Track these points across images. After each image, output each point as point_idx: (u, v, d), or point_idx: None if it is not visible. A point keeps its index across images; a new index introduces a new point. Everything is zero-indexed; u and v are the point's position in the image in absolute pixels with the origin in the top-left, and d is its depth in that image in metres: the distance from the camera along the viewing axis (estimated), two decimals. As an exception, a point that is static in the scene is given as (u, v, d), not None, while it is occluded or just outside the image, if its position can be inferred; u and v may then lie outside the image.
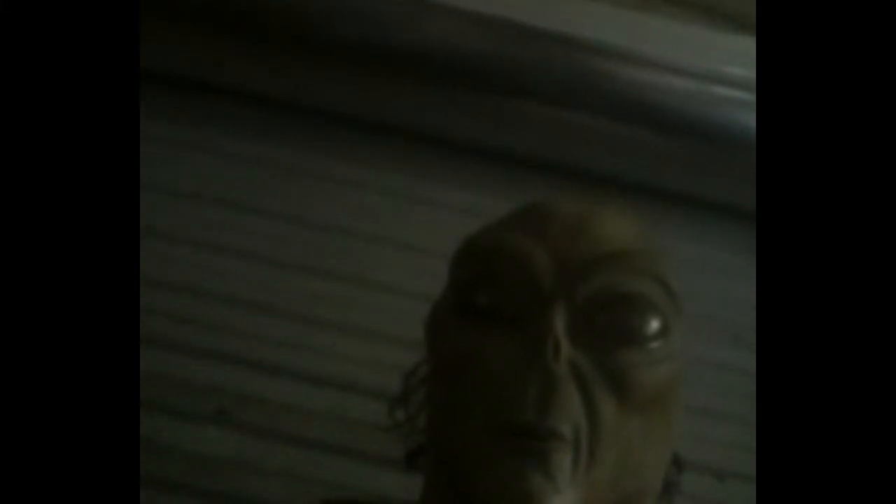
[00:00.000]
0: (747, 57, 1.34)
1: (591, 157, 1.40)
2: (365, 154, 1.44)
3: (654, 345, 0.62)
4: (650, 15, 1.43)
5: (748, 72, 1.34)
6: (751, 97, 1.33)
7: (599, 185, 1.43)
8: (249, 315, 1.29)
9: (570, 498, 0.58)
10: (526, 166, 1.41)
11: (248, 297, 1.31)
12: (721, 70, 1.36)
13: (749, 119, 1.34)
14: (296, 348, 1.27)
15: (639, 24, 1.38)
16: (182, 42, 1.36)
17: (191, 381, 1.22)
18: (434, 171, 1.44)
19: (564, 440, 0.58)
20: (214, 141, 1.43)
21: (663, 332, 0.62)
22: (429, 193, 1.43)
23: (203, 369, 1.23)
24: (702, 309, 1.35)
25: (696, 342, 1.31)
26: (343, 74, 1.38)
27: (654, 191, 1.42)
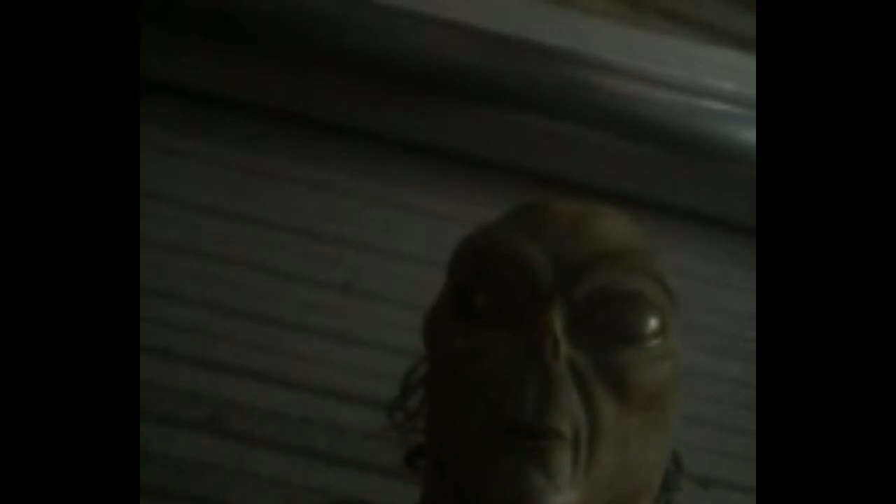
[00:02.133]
0: (739, 72, 1.36)
1: (583, 169, 1.41)
2: (357, 164, 1.45)
3: (653, 343, 0.62)
4: (643, 29, 1.44)
5: (740, 86, 1.35)
6: (742, 111, 1.35)
7: (592, 196, 1.43)
8: (241, 323, 1.28)
9: (570, 497, 0.58)
10: (518, 177, 1.42)
11: (239, 305, 1.30)
12: (713, 84, 1.37)
13: (740, 133, 1.35)
14: (287, 356, 1.27)
15: (631, 38, 1.39)
16: (181, 52, 1.37)
17: (182, 389, 1.21)
18: (426, 181, 1.45)
19: (564, 439, 0.58)
20: (210, 150, 1.44)
21: (661, 330, 0.62)
22: (420, 203, 1.43)
23: (194, 377, 1.22)
24: (690, 318, 1.36)
25: (684, 351, 1.32)
26: (336, 85, 1.39)
27: (644, 203, 1.43)
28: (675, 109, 1.36)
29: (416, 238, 1.39)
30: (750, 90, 1.34)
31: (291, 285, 1.34)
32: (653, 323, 0.62)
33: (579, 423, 0.58)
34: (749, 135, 1.34)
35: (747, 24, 1.51)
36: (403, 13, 1.34)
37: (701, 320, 1.35)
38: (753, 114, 1.30)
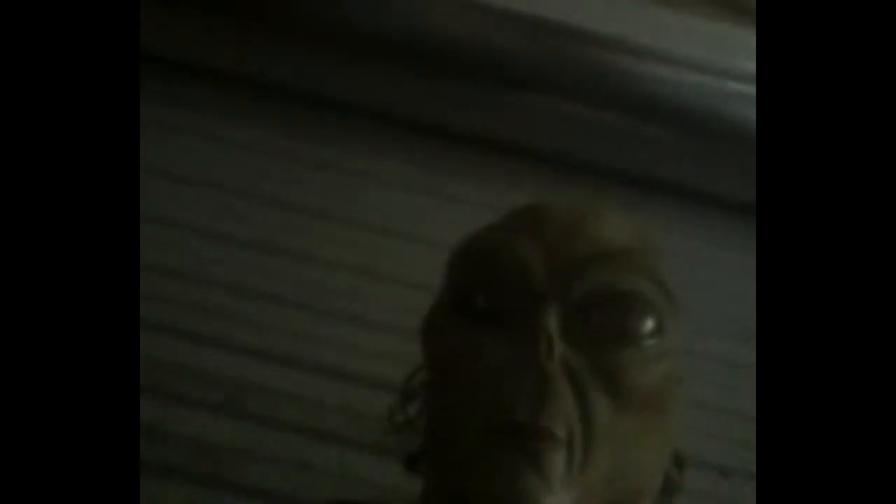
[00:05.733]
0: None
1: (599, 151, 1.40)
2: (373, 144, 1.44)
3: (649, 343, 0.62)
4: (660, 8, 1.42)
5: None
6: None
7: (608, 178, 1.43)
8: (259, 304, 1.29)
9: (565, 498, 0.58)
10: (533, 158, 1.41)
11: (258, 286, 1.31)
12: (731, 64, 1.36)
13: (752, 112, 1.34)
14: (303, 338, 1.27)
15: (648, 17, 1.38)
16: (185, 26, 1.35)
17: (199, 370, 1.22)
18: (442, 163, 1.44)
19: (558, 439, 0.58)
20: (222, 128, 1.44)
21: (658, 330, 0.62)
22: (436, 184, 1.43)
23: (211, 358, 1.23)
24: (710, 304, 1.34)
25: (703, 337, 1.31)
26: (351, 64, 1.38)
27: (662, 185, 1.42)
28: (692, 89, 1.34)
29: (433, 220, 1.38)
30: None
31: (307, 266, 1.34)
32: (649, 323, 0.62)
33: (574, 424, 0.59)
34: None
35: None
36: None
37: (717, 305, 1.33)
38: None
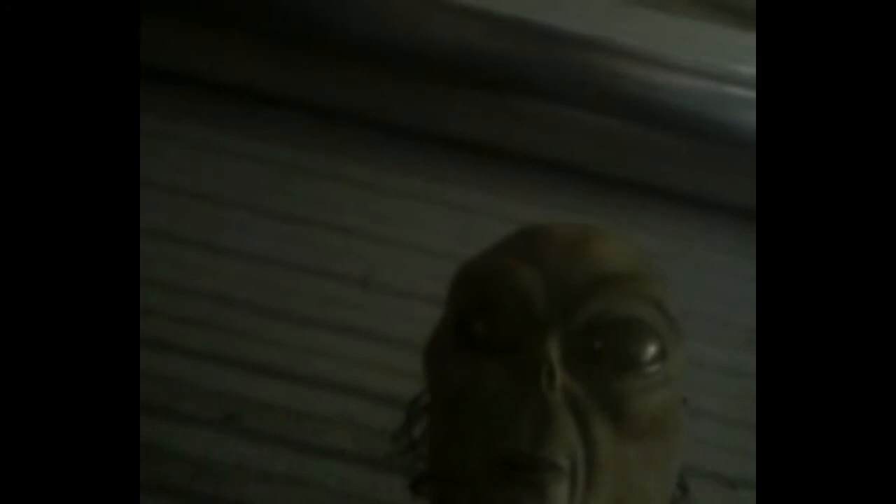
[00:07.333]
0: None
1: (601, 157, 1.39)
2: (374, 154, 1.44)
3: (651, 370, 0.61)
4: (659, 13, 1.42)
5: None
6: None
7: (609, 184, 1.42)
8: (258, 319, 1.28)
9: None
10: (535, 166, 1.40)
11: (258, 300, 1.30)
12: (731, 68, 1.35)
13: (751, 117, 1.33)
14: (304, 352, 1.26)
15: (647, 21, 1.37)
16: (185, 38, 1.35)
17: (199, 387, 1.21)
18: (443, 172, 1.43)
19: (560, 470, 0.57)
20: (222, 140, 1.43)
21: (661, 356, 0.62)
22: (438, 194, 1.42)
23: (211, 374, 1.22)
24: (717, 313, 1.33)
25: (708, 346, 1.29)
26: (352, 73, 1.37)
27: (662, 190, 1.41)
28: (693, 94, 1.34)
29: (436, 230, 1.37)
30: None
31: (308, 279, 1.33)
32: (651, 349, 0.61)
33: (576, 454, 0.58)
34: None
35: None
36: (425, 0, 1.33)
37: (724, 314, 1.32)
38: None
